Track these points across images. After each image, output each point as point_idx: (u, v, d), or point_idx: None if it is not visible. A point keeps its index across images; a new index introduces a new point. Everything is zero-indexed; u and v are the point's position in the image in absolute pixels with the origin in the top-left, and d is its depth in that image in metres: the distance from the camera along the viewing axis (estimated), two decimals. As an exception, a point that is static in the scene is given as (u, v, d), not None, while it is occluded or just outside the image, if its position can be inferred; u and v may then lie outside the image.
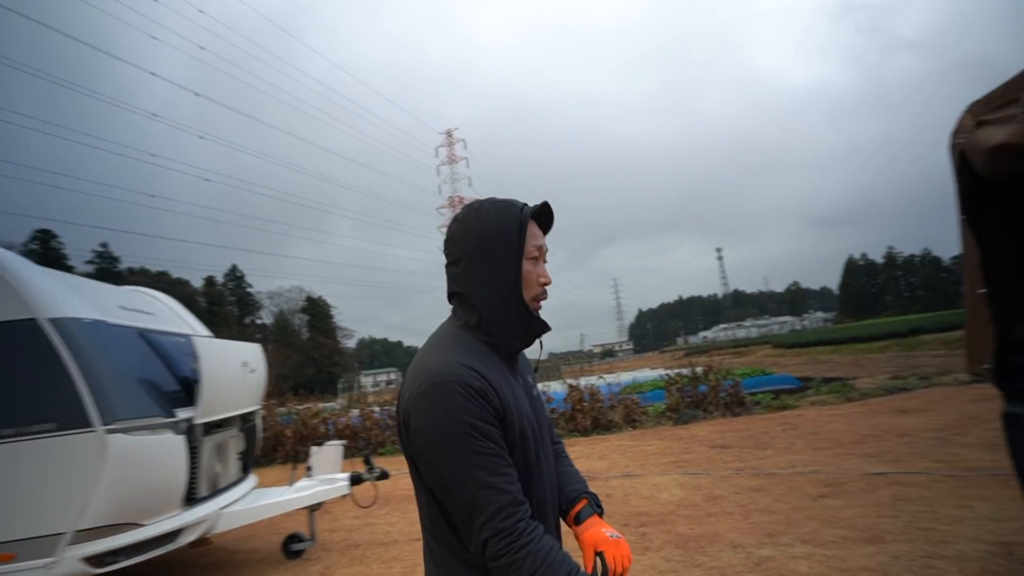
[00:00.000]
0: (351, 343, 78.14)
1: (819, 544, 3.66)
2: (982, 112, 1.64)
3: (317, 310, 66.46)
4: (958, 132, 1.75)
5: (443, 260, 1.12)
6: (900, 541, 3.53)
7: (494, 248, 1.05)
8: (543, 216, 1.15)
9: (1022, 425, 1.80)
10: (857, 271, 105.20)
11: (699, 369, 11.81)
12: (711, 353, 13.60)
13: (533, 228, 1.11)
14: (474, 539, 0.95)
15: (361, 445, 11.76)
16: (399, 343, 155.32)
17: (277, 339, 59.33)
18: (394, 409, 12.47)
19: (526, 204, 1.11)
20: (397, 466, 9.49)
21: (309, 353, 59.01)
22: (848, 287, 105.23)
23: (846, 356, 27.67)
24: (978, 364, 1.89)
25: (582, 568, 0.98)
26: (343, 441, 5.65)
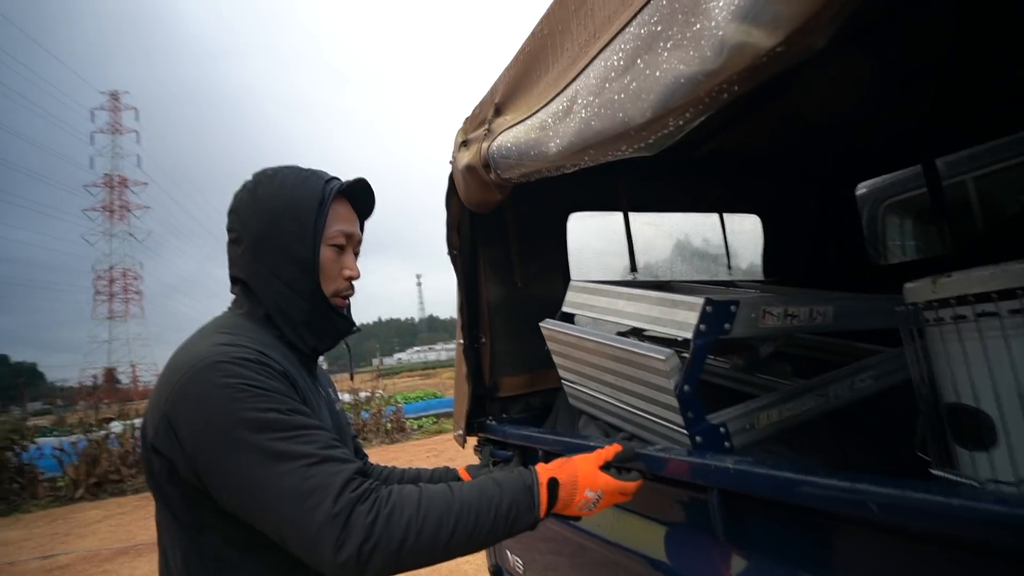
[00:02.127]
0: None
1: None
2: (469, 131, 1.39)
3: None
4: (454, 152, 1.48)
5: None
6: None
7: (284, 226, 0.83)
8: (359, 198, 0.93)
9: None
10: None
11: (363, 395, 11.63)
12: (401, 375, 13.74)
13: (342, 209, 0.89)
14: (322, 530, 0.65)
15: None
16: (3, 358, 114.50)
17: None
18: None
19: (335, 178, 0.89)
20: None
21: None
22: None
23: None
24: (457, 428, 1.65)
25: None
26: None
